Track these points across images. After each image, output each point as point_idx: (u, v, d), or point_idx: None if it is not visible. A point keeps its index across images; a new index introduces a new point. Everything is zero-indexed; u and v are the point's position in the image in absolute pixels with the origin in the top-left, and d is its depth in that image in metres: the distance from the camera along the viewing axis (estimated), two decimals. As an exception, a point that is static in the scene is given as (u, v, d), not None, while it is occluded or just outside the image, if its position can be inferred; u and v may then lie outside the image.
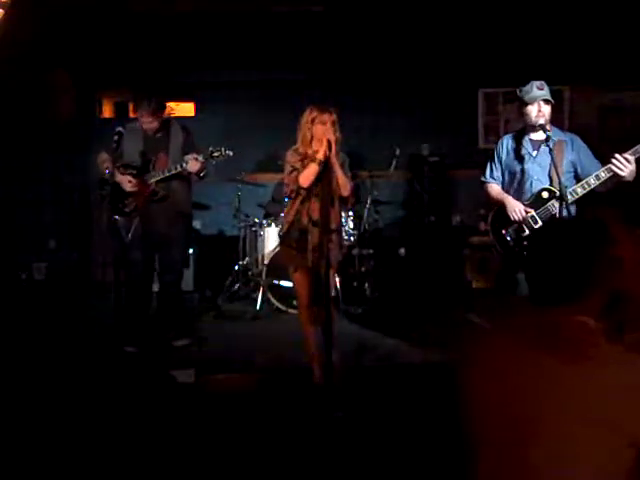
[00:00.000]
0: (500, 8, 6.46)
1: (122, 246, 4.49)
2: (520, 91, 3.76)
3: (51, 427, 3.25)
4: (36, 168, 6.88)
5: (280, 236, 3.96)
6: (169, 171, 4.47)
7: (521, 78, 3.84)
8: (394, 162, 6.33)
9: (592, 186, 3.56)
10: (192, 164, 4.39)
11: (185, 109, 7.43)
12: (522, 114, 3.78)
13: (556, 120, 4.16)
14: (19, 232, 6.85)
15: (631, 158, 3.41)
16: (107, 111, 7.71)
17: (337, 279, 3.89)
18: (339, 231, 3.83)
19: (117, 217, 4.47)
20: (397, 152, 6.29)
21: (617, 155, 3.42)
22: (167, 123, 4.65)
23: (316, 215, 3.65)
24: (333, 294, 3.94)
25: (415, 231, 7.07)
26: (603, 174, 3.51)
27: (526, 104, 3.70)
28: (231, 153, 4.48)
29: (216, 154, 4.45)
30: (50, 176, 6.98)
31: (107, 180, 4.40)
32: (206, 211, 6.61)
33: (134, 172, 4.52)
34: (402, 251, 6.90)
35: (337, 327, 3.94)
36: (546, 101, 3.68)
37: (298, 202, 3.74)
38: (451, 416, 1.54)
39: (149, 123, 4.50)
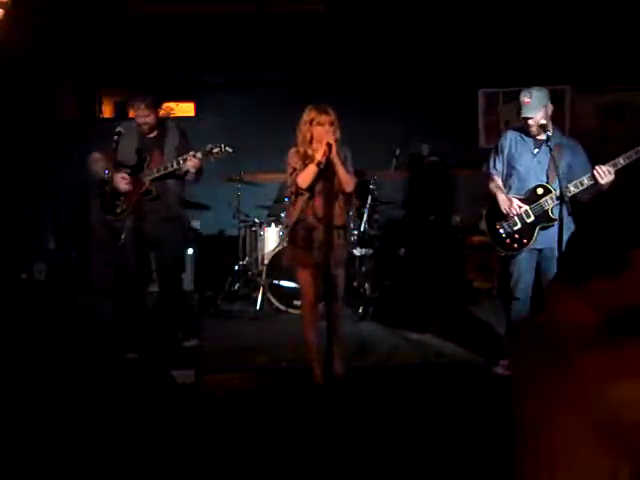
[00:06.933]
0: (500, 8, 6.47)
1: (117, 248, 4.39)
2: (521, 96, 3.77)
3: (51, 427, 3.25)
4: (36, 168, 6.86)
5: (284, 235, 3.95)
6: (165, 169, 4.36)
7: (521, 78, 3.85)
8: (394, 162, 6.33)
9: (575, 192, 3.68)
10: (190, 162, 4.29)
11: (185, 109, 7.42)
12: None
13: (557, 120, 4.17)
14: (19, 232, 6.83)
15: (611, 170, 3.60)
16: (107, 111, 7.72)
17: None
18: (345, 228, 3.81)
19: (109, 217, 4.41)
20: (397, 152, 6.28)
21: (598, 166, 3.62)
22: (163, 123, 4.57)
23: (321, 212, 3.64)
24: (342, 292, 3.91)
25: (415, 231, 7.07)
26: (586, 181, 3.67)
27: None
28: (230, 150, 4.35)
29: (215, 151, 4.32)
30: (50, 176, 6.97)
31: (107, 181, 4.39)
32: (206, 211, 6.60)
33: (128, 171, 4.41)
34: (402, 251, 6.89)
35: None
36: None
37: (302, 201, 3.73)
38: (451, 416, 1.54)
39: (145, 117, 4.37)
